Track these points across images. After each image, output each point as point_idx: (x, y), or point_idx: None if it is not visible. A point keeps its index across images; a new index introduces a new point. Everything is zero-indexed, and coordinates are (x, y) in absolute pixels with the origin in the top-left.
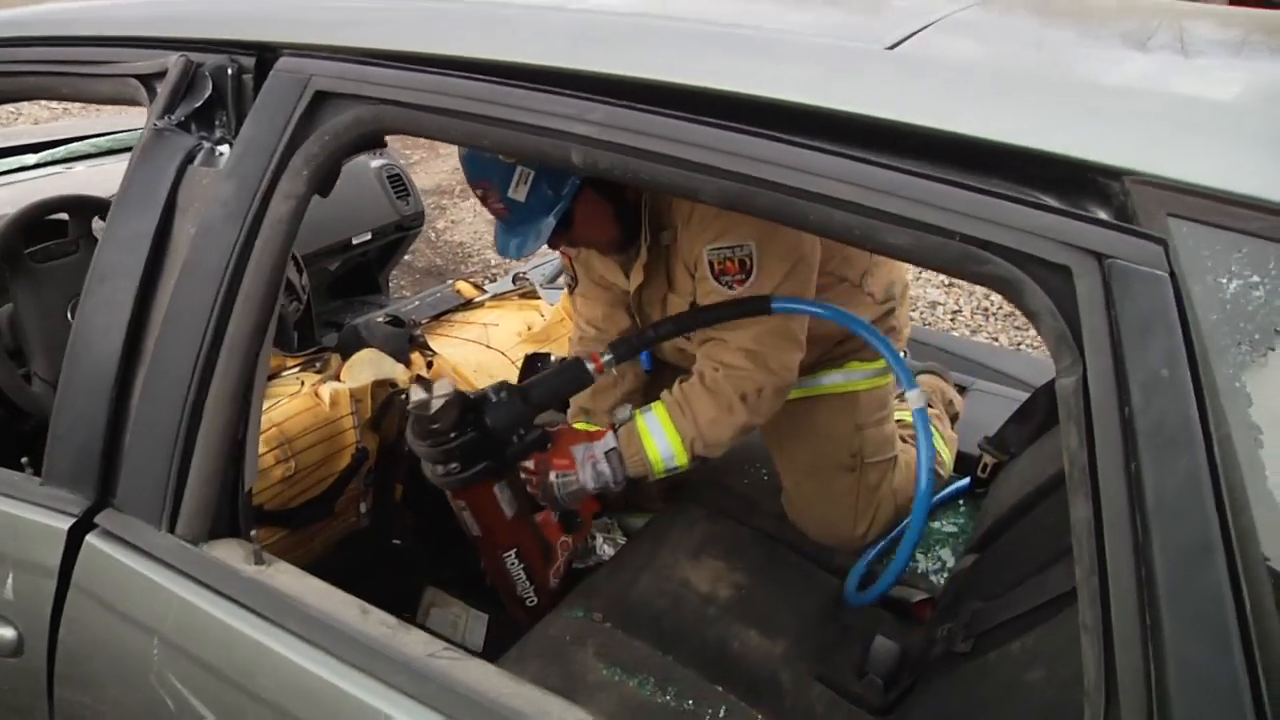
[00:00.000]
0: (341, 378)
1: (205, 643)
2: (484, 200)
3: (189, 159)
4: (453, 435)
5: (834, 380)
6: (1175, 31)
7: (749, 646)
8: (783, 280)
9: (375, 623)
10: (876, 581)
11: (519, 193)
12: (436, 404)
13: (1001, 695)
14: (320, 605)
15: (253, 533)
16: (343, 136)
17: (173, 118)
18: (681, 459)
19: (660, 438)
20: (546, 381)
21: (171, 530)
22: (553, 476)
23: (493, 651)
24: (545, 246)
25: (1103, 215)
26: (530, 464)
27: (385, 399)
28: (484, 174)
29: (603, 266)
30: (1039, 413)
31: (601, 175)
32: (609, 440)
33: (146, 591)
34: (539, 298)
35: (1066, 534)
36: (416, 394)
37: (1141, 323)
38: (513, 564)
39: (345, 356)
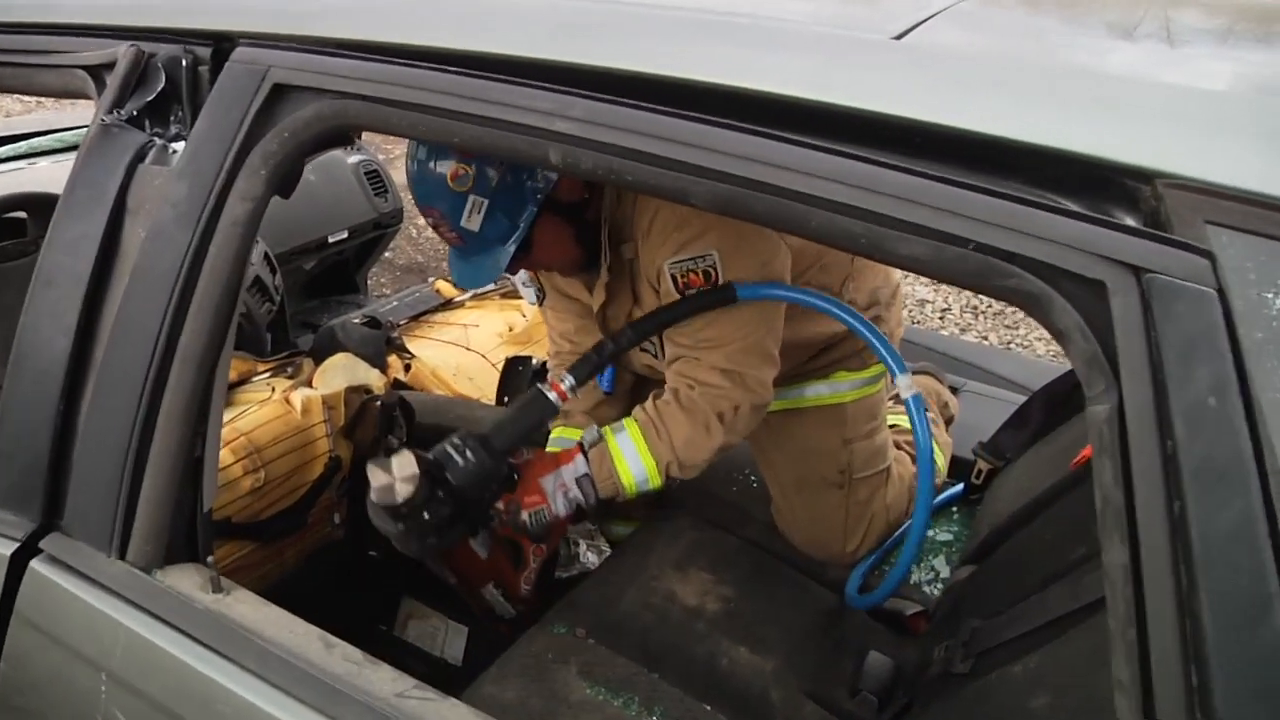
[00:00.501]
0: (314, 383)
1: (156, 679)
2: (435, 228)
3: (139, 157)
4: (425, 515)
5: (819, 392)
6: (1205, 22)
7: (738, 663)
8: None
9: (339, 658)
10: (877, 587)
11: (473, 222)
12: (403, 490)
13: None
14: (280, 638)
15: (209, 559)
16: (303, 133)
17: (122, 112)
18: (655, 481)
19: (634, 460)
20: (510, 424)
21: (122, 556)
22: (524, 516)
23: (473, 663)
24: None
25: (1131, 223)
26: (500, 505)
27: (359, 406)
28: (433, 201)
29: (566, 284)
30: (1034, 419)
31: (583, 176)
32: (579, 464)
33: (94, 623)
34: (521, 297)
35: (1067, 549)
36: (377, 478)
37: (1186, 345)
38: (491, 594)
39: (319, 360)
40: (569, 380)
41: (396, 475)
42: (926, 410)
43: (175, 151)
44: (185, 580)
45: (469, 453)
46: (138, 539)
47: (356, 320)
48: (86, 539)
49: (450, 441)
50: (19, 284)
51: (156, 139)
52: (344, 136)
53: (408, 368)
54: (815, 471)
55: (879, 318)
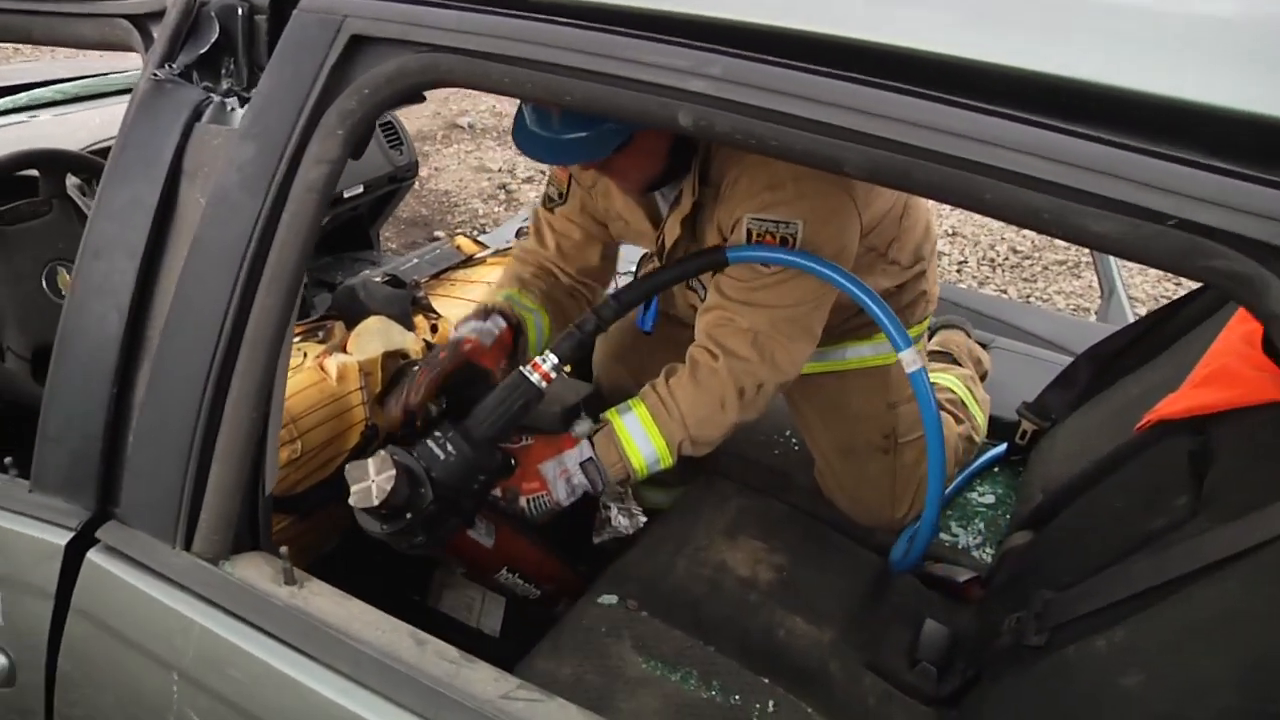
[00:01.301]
0: (348, 349)
1: (233, 679)
2: None
3: (196, 115)
4: (408, 515)
5: (861, 354)
6: None
7: (795, 634)
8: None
9: (434, 657)
10: (911, 547)
11: None
12: (380, 492)
13: (1094, 698)
14: (367, 635)
15: (282, 549)
16: (383, 90)
17: (174, 66)
18: (667, 460)
19: (643, 441)
20: (491, 412)
21: (187, 547)
22: (523, 502)
23: (511, 635)
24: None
25: None
26: (498, 492)
27: (396, 372)
28: None
29: (625, 208)
30: (1081, 380)
31: (718, 139)
32: (583, 450)
33: (163, 619)
34: None
35: (1142, 519)
36: (355, 481)
37: None
38: (507, 578)
39: (350, 324)
40: (551, 359)
41: (373, 476)
42: (961, 365)
43: (232, 109)
44: (255, 572)
45: (449, 445)
46: (205, 529)
47: (378, 279)
48: (147, 528)
49: (432, 435)
50: (33, 247)
51: (212, 95)
52: (420, 93)
53: (434, 329)
54: (860, 436)
55: (923, 273)
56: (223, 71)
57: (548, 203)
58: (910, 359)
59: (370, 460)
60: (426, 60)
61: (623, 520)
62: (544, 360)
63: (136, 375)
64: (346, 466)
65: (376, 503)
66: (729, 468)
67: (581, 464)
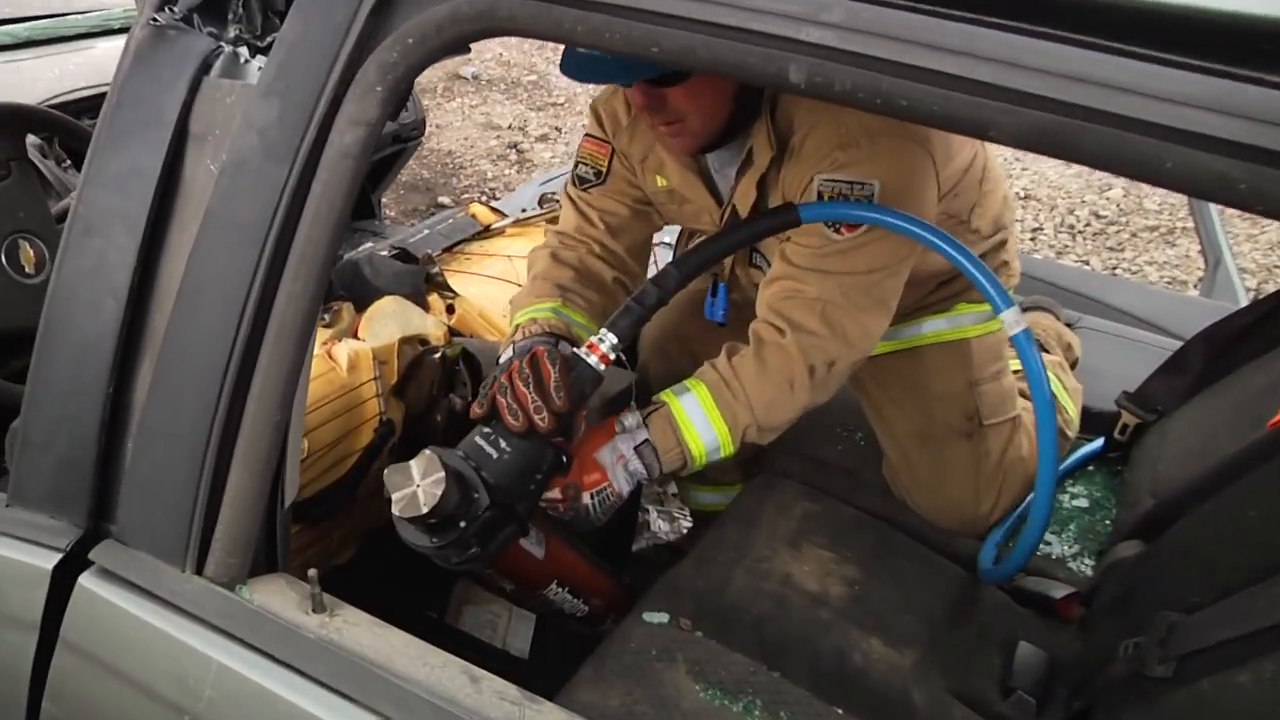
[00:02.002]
0: (359, 334)
1: None
2: None
3: (204, 68)
4: (462, 524)
5: (938, 328)
6: None
7: (872, 658)
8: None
9: (493, 698)
10: (1008, 556)
11: None
12: (428, 498)
13: None
14: (415, 673)
15: (311, 572)
16: (432, 40)
17: (176, 9)
18: (729, 448)
19: (703, 425)
20: None
21: (199, 570)
22: (587, 499)
23: (541, 657)
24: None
25: None
26: (557, 494)
27: (413, 359)
28: None
29: (683, 182)
30: (1194, 366)
31: (835, 99)
32: (637, 432)
33: (170, 654)
34: None
35: None
36: (397, 488)
37: None
38: (556, 593)
39: (359, 305)
40: (609, 339)
41: (419, 480)
42: (1048, 352)
43: (245, 60)
44: (279, 598)
45: (503, 441)
46: (219, 549)
47: (385, 252)
48: (151, 549)
49: (480, 432)
50: None
51: (221, 45)
52: (469, 44)
53: (450, 309)
54: (939, 420)
55: (1004, 243)
56: (229, 16)
57: (581, 183)
58: (1013, 319)
59: (413, 463)
60: (484, 4)
61: (663, 524)
62: (601, 340)
63: (137, 371)
64: (385, 472)
65: (425, 510)
66: (789, 467)
67: (637, 448)
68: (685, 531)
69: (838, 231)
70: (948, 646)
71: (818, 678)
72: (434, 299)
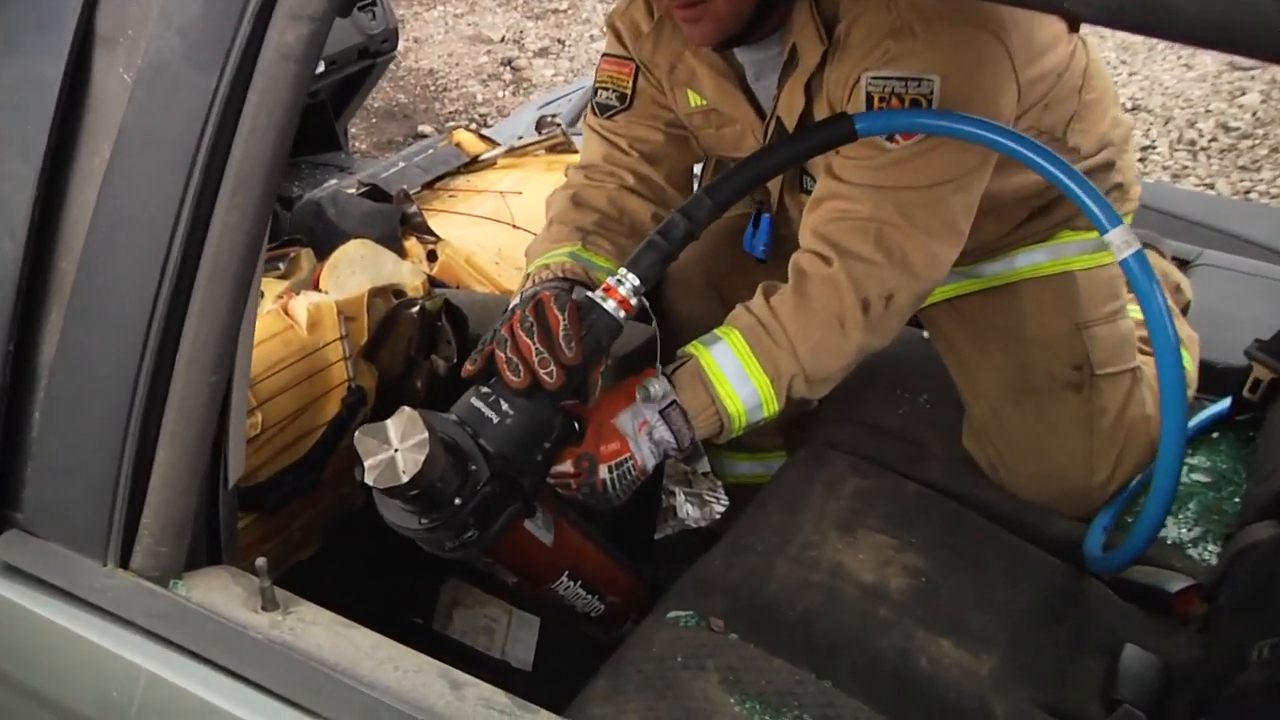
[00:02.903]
0: (321, 285)
1: None
2: None
3: None
4: (456, 500)
5: (1035, 260)
6: None
7: (942, 663)
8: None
9: (479, 707)
10: (1123, 540)
11: None
12: (409, 464)
13: None
14: (385, 679)
15: (260, 561)
16: None
17: None
18: (772, 406)
19: (739, 378)
20: None
21: (124, 564)
22: (604, 473)
23: (547, 668)
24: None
25: None
26: (567, 466)
27: (387, 315)
28: None
29: (718, 93)
30: None
31: None
32: (662, 393)
33: (90, 664)
34: (575, 150)
35: None
36: (370, 453)
37: None
38: (567, 588)
39: (321, 250)
40: (630, 280)
41: (397, 443)
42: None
43: None
44: (222, 594)
45: (503, 402)
46: (148, 537)
47: (351, 190)
48: (64, 539)
49: (476, 393)
50: None
51: None
52: None
53: (431, 256)
54: (1039, 370)
55: (1111, 163)
56: None
57: (603, 111)
58: (1122, 240)
59: (390, 422)
60: None
61: (690, 509)
62: (620, 282)
63: (41, 326)
64: (357, 434)
65: (405, 480)
66: (838, 435)
67: (663, 412)
68: (718, 516)
69: (891, 139)
70: (1036, 650)
71: (876, 687)
72: (412, 244)
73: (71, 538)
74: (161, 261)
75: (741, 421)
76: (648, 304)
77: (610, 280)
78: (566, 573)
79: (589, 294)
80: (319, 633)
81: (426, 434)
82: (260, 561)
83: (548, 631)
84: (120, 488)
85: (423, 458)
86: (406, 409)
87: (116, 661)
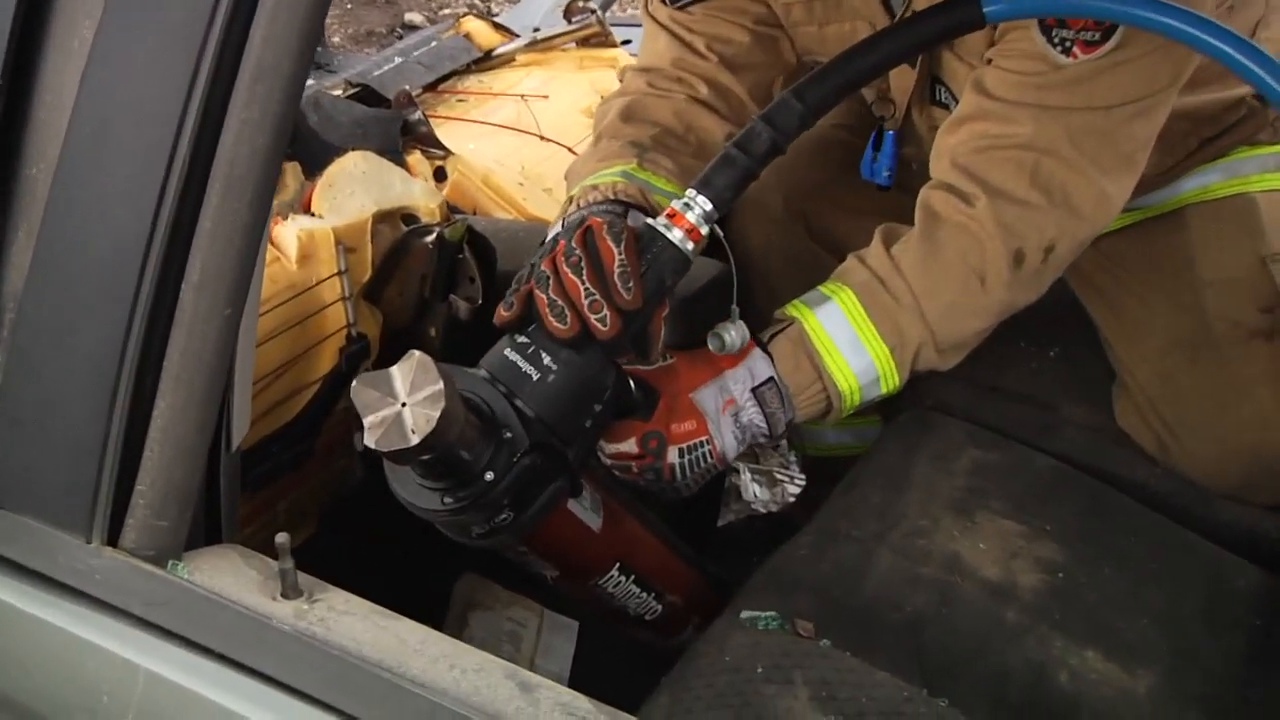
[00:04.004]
0: (313, 208)
1: None
2: None
3: None
4: (488, 475)
5: (1206, 182)
6: None
7: (1086, 679)
8: (1160, 46)
9: (554, 712)
10: None
11: None
12: (421, 421)
13: None
14: (440, 681)
15: (280, 537)
16: None
17: None
18: (892, 380)
19: (853, 349)
20: None
21: (112, 541)
22: (674, 456)
23: (586, 683)
24: None
25: None
26: (629, 445)
27: (395, 245)
28: None
29: None
30: None
31: None
32: (757, 364)
33: (76, 663)
34: (614, 43)
35: None
36: (371, 407)
37: None
38: (618, 584)
39: (310, 165)
40: (700, 204)
41: (404, 394)
42: None
43: None
44: (232, 577)
45: (545, 355)
46: (144, 511)
47: (338, 92)
48: (41, 513)
49: (511, 343)
50: None
51: None
52: None
53: (440, 174)
54: (1217, 317)
55: None
56: None
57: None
58: None
59: (396, 369)
60: None
61: (757, 489)
62: (688, 206)
63: (5, 248)
64: (355, 385)
65: (415, 440)
66: (950, 397)
67: (755, 390)
68: (792, 499)
69: (1067, 53)
70: (1204, 664)
71: (1003, 707)
72: (414, 159)
73: (48, 510)
74: (163, 169)
75: (854, 400)
76: (721, 233)
77: (675, 204)
78: (618, 565)
79: (648, 220)
80: (355, 624)
81: (442, 383)
82: (281, 538)
83: (588, 639)
84: (109, 448)
85: (437, 413)
86: (416, 353)
87: (107, 659)
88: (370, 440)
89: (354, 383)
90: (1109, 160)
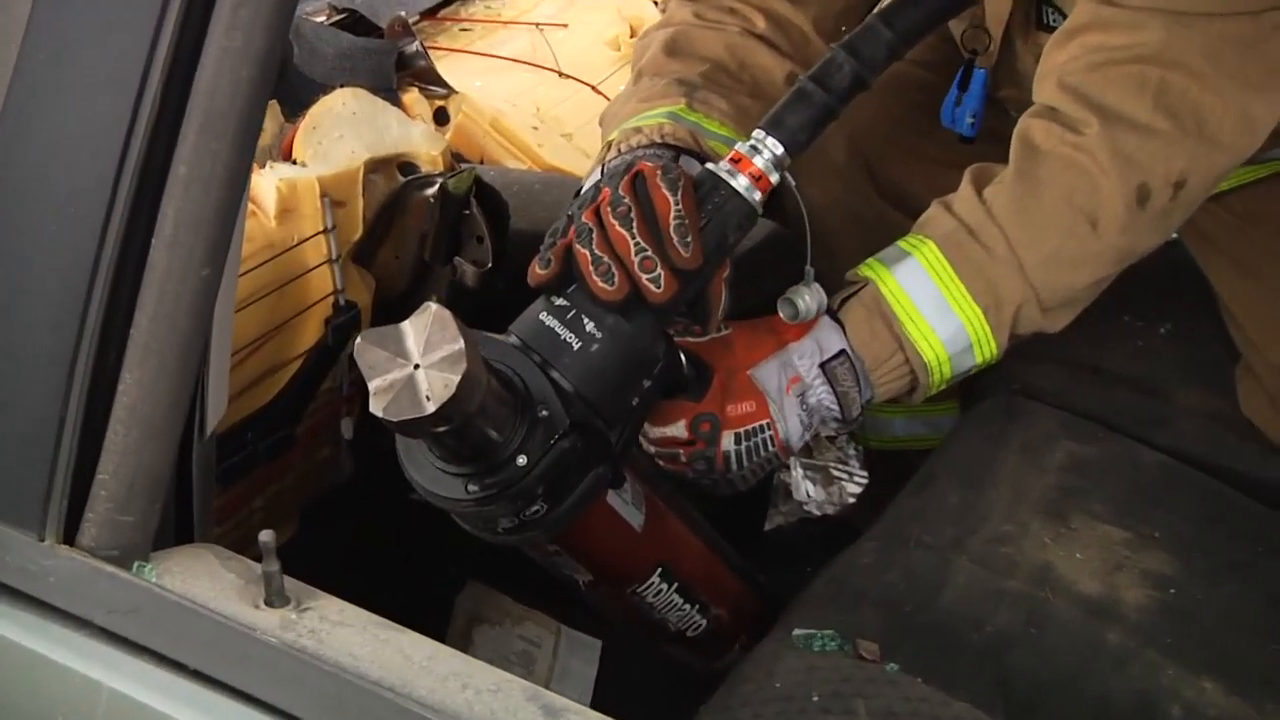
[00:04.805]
0: (295, 154)
1: None
2: None
3: None
4: (520, 460)
5: None
6: None
7: (1204, 715)
8: None
9: None
10: None
11: None
12: (439, 386)
13: None
14: (452, 704)
15: (264, 535)
16: None
17: None
18: (987, 348)
19: (940, 313)
20: None
21: (69, 539)
22: (729, 443)
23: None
24: None
25: None
26: (678, 429)
27: (390, 198)
28: None
29: None
30: None
31: None
32: (826, 335)
33: (28, 682)
34: None
35: None
36: (379, 369)
37: None
38: (659, 593)
39: (289, 106)
40: (770, 147)
41: (419, 354)
42: None
43: None
44: (209, 582)
45: (587, 321)
46: (105, 505)
47: (322, 18)
48: None
49: (547, 307)
50: None
51: None
52: None
53: (441, 115)
54: None
55: None
56: None
57: None
58: None
59: (408, 324)
60: None
61: (810, 487)
62: (755, 149)
63: None
64: (359, 342)
65: (431, 409)
66: (1040, 380)
67: (824, 365)
68: (852, 500)
69: None
70: None
71: None
72: (412, 98)
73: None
74: (131, 103)
75: (943, 373)
76: (793, 181)
77: (740, 147)
78: (660, 570)
79: (709, 166)
80: (352, 636)
81: (463, 341)
82: (265, 536)
83: (613, 660)
84: (66, 430)
85: (458, 377)
86: (433, 304)
87: (64, 676)
88: (377, 408)
89: (358, 340)
90: (1254, 75)
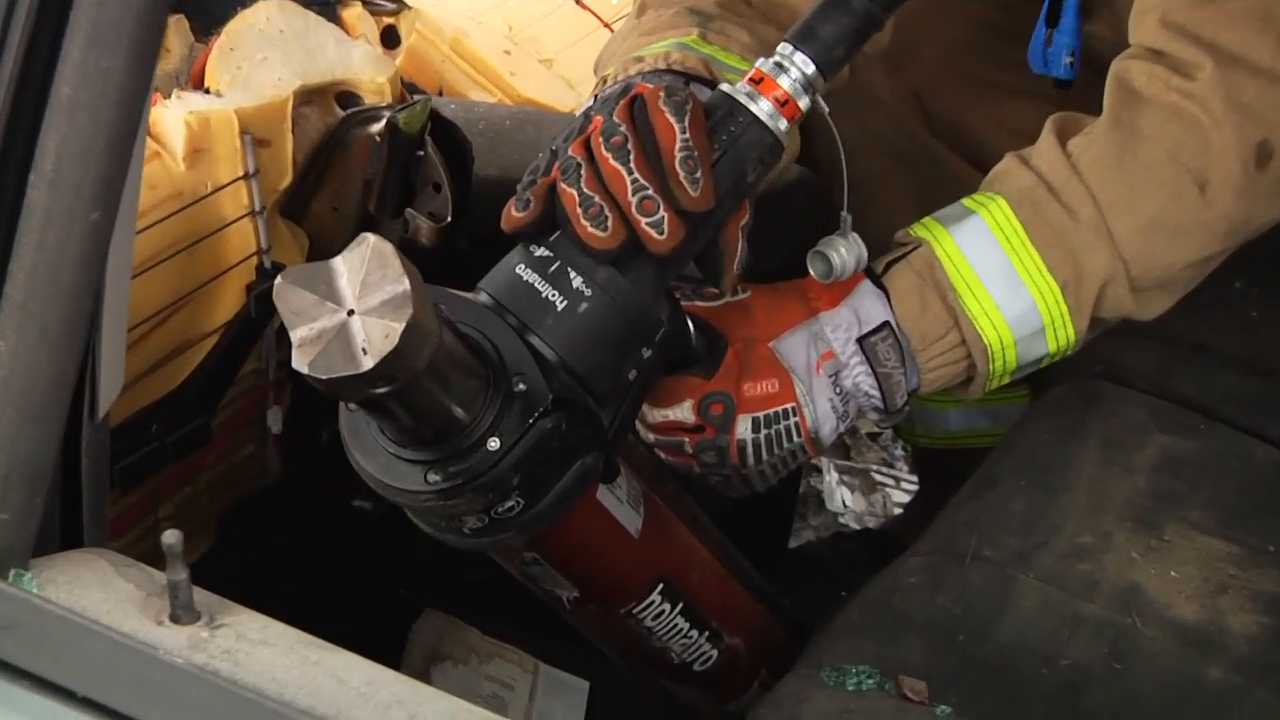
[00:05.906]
0: (208, 82)
1: None
2: None
3: None
4: (491, 443)
5: None
6: None
7: None
8: None
9: None
10: None
11: None
12: (380, 335)
13: None
14: None
15: (169, 536)
16: None
17: None
18: (1063, 333)
19: (1008, 286)
20: None
21: None
22: (745, 429)
23: None
24: None
25: None
26: (683, 411)
27: (328, 136)
28: None
29: None
30: None
31: None
32: (866, 303)
33: None
34: None
35: None
36: (302, 317)
37: None
38: (660, 614)
39: (201, 22)
40: (799, 65)
41: (354, 297)
42: None
43: None
44: (103, 593)
45: (575, 275)
46: None
47: None
48: None
49: (525, 257)
50: None
51: None
52: None
53: (390, 35)
54: None
55: None
56: None
57: None
58: None
59: (340, 259)
60: None
61: (847, 495)
62: (779, 68)
63: None
64: (280, 282)
65: (369, 364)
66: (1131, 359)
67: (863, 340)
68: (899, 510)
69: None
70: None
71: None
72: (355, 13)
73: None
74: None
75: (1007, 361)
76: (826, 108)
77: (763, 65)
78: (660, 587)
79: (724, 87)
80: (275, 658)
81: (408, 282)
82: (171, 537)
83: (603, 704)
84: None
85: (402, 324)
86: (371, 236)
87: None
88: (302, 362)
89: (278, 279)
90: None
